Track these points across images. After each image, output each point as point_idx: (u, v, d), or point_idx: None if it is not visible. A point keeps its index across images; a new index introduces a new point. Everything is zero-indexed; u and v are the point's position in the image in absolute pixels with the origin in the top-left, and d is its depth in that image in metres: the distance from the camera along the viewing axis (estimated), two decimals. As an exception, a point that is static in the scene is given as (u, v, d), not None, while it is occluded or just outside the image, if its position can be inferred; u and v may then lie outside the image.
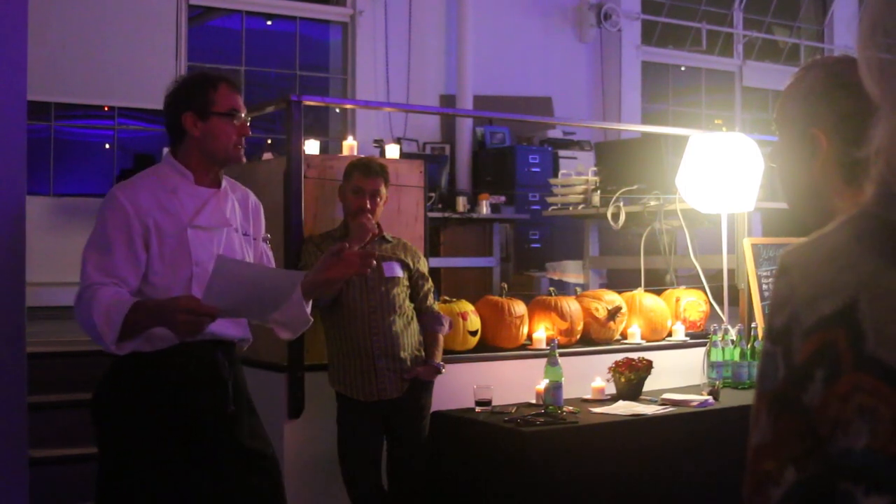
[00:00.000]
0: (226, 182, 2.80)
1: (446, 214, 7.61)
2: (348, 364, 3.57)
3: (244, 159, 2.78)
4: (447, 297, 4.21)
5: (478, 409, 3.82)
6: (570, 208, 6.35)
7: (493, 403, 3.83)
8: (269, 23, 9.04)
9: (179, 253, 2.61)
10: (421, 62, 9.13)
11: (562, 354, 3.94)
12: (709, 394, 4.12)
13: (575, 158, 8.67)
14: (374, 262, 2.85)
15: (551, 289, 4.80)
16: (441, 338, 3.75)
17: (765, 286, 4.76)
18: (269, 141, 8.50)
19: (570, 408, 3.82)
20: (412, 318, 3.68)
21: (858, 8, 9.89)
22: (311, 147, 4.31)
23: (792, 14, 11.66)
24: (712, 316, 4.88)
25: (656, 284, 5.18)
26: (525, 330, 4.30)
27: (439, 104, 9.10)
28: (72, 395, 4.47)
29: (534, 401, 3.98)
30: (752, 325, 4.62)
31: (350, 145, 4.68)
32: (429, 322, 3.72)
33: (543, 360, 3.89)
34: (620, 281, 5.92)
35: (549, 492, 3.42)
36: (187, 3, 8.10)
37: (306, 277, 2.81)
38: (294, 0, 8.86)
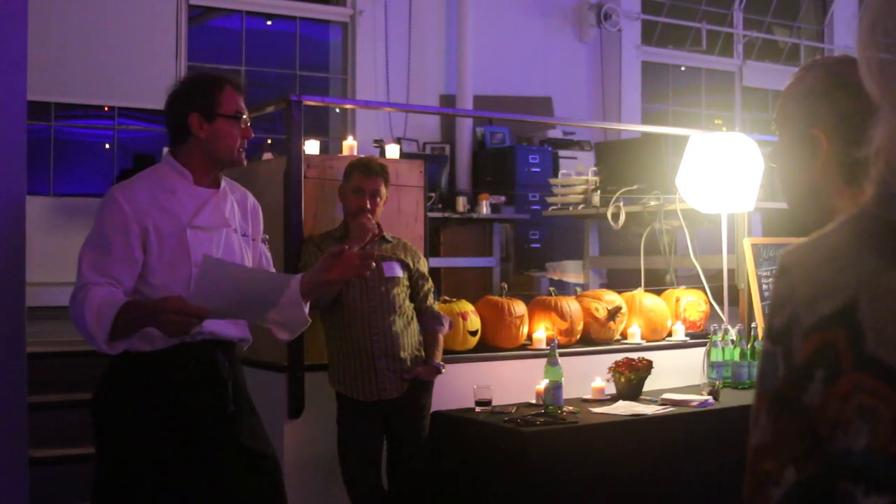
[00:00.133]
0: (225, 183, 2.80)
1: (446, 214, 7.61)
2: (348, 364, 3.57)
3: (245, 163, 2.78)
4: (447, 297, 4.21)
5: (478, 409, 3.82)
6: (570, 208, 6.35)
7: (493, 403, 3.83)
8: (269, 23, 9.04)
9: (178, 253, 2.61)
10: (421, 62, 9.13)
11: (562, 354, 3.94)
12: (709, 394, 4.12)
13: (575, 158, 8.67)
14: (374, 263, 2.85)
15: (551, 289, 4.80)
16: (441, 338, 3.75)
17: (765, 286, 4.76)
18: (269, 141, 8.50)
19: (570, 408, 3.82)
20: (412, 318, 3.68)
21: (858, 8, 9.90)
22: (311, 147, 4.31)
23: (792, 14, 11.66)
24: (712, 316, 4.88)
25: (656, 284, 5.18)
26: (525, 330, 4.30)
27: (439, 104, 9.10)
28: (72, 395, 4.47)
29: (534, 401, 3.98)
30: (752, 325, 4.62)
31: (350, 145, 4.69)
32: (429, 322, 3.72)
33: (543, 360, 3.89)
34: (620, 281, 5.92)
35: (549, 492, 3.42)
36: (187, 3, 8.10)
37: (305, 278, 2.81)
38: (294, 0, 8.86)
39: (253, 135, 2.77)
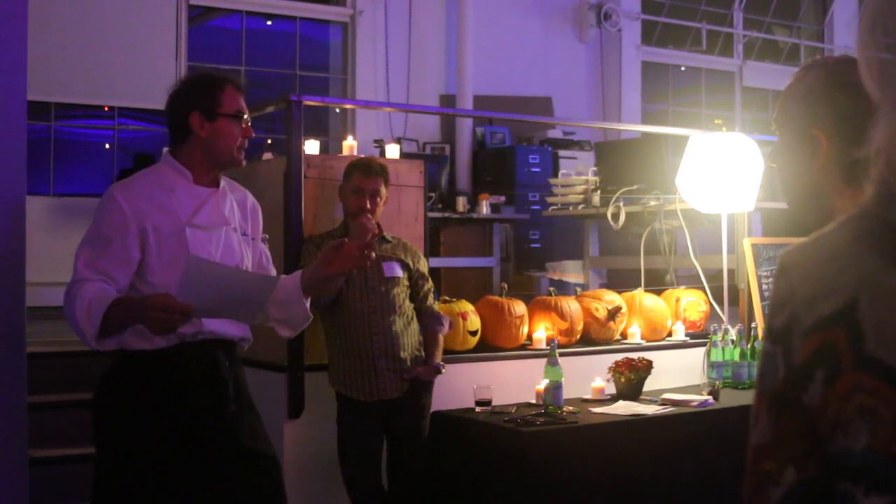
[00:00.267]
0: (224, 182, 2.80)
1: (446, 214, 7.61)
2: (348, 364, 3.57)
3: (244, 163, 2.79)
4: (447, 297, 4.21)
5: (478, 409, 3.82)
6: (570, 208, 6.35)
7: (493, 403, 3.83)
8: (269, 23, 9.04)
9: (178, 252, 2.60)
10: (421, 62, 9.13)
11: (562, 354, 3.94)
12: (709, 394, 4.12)
13: (575, 158, 8.67)
14: (374, 255, 2.85)
15: (551, 289, 4.80)
16: (441, 338, 3.75)
17: (765, 286, 4.76)
18: (269, 141, 8.49)
19: (570, 408, 3.82)
20: (412, 318, 3.68)
21: (858, 8, 9.89)
22: (311, 147, 4.31)
23: (792, 14, 11.66)
24: (712, 316, 4.88)
25: (656, 284, 5.18)
26: (525, 330, 4.30)
27: (439, 104, 9.10)
28: (72, 395, 4.47)
29: (534, 401, 3.98)
30: (752, 325, 4.62)
31: (350, 145, 4.69)
32: (429, 322, 3.72)
33: (543, 360, 3.89)
34: (620, 281, 5.92)
35: (549, 492, 3.42)
36: (187, 3, 8.10)
37: (305, 273, 2.81)
38: (294, 0, 8.86)
39: (253, 134, 2.78)
